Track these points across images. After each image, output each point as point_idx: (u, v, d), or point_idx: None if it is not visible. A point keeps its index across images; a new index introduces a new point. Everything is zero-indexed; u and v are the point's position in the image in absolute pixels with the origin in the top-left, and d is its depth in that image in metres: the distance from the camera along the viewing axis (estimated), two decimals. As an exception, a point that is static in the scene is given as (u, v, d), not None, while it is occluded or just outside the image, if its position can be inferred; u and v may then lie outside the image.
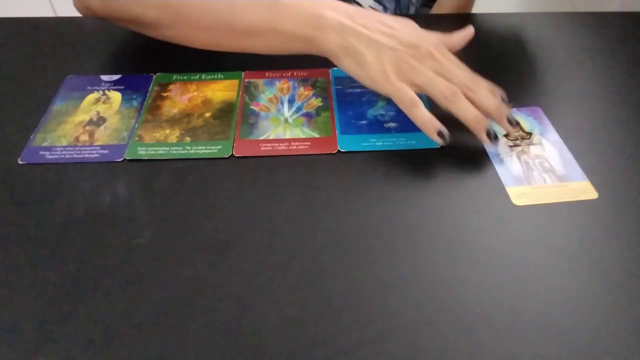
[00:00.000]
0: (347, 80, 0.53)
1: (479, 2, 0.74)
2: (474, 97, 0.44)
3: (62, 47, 0.59)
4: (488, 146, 0.46)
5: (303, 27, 0.47)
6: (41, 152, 0.46)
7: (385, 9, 0.69)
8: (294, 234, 0.40)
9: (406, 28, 0.46)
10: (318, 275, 0.37)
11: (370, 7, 0.68)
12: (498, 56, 0.58)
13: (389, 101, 0.51)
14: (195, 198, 0.43)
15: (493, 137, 0.44)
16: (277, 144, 0.47)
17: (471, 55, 0.58)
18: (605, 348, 0.33)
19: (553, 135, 0.48)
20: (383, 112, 0.50)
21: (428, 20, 0.66)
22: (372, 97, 0.52)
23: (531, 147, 0.47)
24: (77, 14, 0.60)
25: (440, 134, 0.43)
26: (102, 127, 0.49)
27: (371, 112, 0.50)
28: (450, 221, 0.41)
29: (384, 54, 0.44)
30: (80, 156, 0.46)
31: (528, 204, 0.42)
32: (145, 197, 0.43)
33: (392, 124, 0.49)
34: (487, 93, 0.44)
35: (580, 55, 0.58)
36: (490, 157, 0.46)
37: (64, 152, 0.46)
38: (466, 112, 0.43)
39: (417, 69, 0.44)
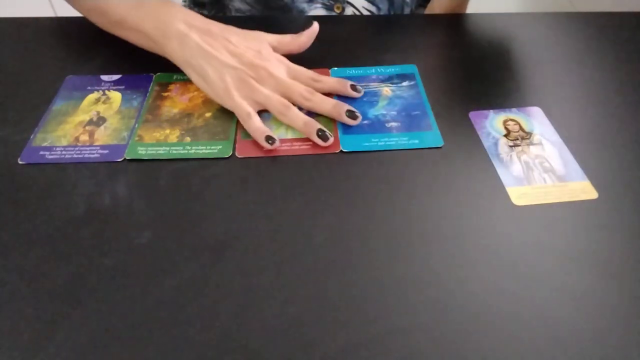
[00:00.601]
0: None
1: (480, 2, 0.74)
2: (311, 105, 0.49)
3: (62, 47, 0.59)
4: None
5: (155, 31, 0.51)
6: (41, 152, 0.46)
7: (379, 10, 0.69)
8: (294, 234, 0.40)
9: (251, 47, 0.50)
10: (318, 275, 0.37)
11: (364, 7, 0.68)
12: (498, 56, 0.58)
13: (390, 101, 0.51)
14: (195, 198, 0.43)
15: (323, 137, 0.46)
16: (279, 144, 0.47)
17: (472, 56, 0.58)
18: (606, 347, 0.34)
19: (553, 135, 0.48)
20: (384, 112, 0.50)
21: (423, 21, 0.66)
22: (373, 97, 0.52)
23: (531, 147, 0.47)
24: (77, 14, 0.60)
25: (268, 138, 0.46)
26: (102, 127, 0.49)
27: (372, 112, 0.50)
28: (450, 221, 0.41)
29: (225, 71, 0.48)
30: (80, 156, 0.46)
31: (528, 204, 0.42)
32: (145, 197, 0.43)
33: (393, 124, 0.49)
34: (322, 98, 0.49)
35: (580, 55, 0.58)
36: (490, 157, 0.46)
37: (64, 152, 0.46)
38: (296, 121, 0.47)
39: (255, 88, 0.48)
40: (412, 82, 0.53)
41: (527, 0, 1.88)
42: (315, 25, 0.53)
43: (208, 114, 0.50)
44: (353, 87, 0.51)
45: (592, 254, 0.39)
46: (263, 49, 0.51)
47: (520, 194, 0.43)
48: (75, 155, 0.46)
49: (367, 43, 0.60)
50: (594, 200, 0.42)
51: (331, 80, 0.51)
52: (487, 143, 0.47)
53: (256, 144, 0.47)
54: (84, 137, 0.48)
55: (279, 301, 0.36)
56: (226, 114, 0.50)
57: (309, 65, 0.53)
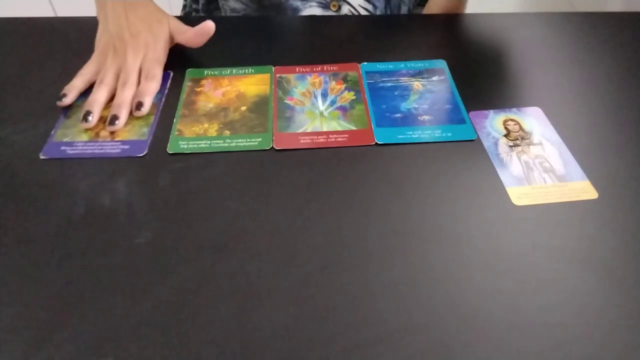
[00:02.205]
0: (377, 75, 0.55)
1: (480, 2, 0.74)
2: (117, 94, 0.51)
3: (62, 47, 0.59)
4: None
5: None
6: (62, 147, 0.47)
7: (375, 8, 0.69)
8: (294, 233, 0.40)
9: (141, 24, 0.54)
10: (318, 275, 0.37)
11: (360, 6, 0.68)
12: (498, 56, 0.58)
13: (421, 95, 0.52)
14: (195, 198, 0.43)
15: (85, 119, 0.49)
16: (315, 137, 0.48)
17: (472, 56, 0.58)
18: (605, 347, 0.33)
19: (553, 135, 0.48)
20: (416, 106, 0.51)
21: (421, 21, 0.66)
22: (404, 91, 0.53)
23: (531, 147, 0.47)
24: (77, 14, 0.60)
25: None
26: None
27: (404, 106, 0.51)
28: (450, 221, 0.41)
29: (106, 32, 0.54)
30: (101, 151, 0.46)
31: (528, 204, 0.42)
32: (145, 197, 0.43)
33: (426, 117, 0.50)
34: (125, 94, 0.51)
35: (580, 55, 0.58)
36: (490, 157, 0.46)
37: (85, 148, 0.47)
38: (93, 95, 0.51)
39: (107, 57, 0.53)
40: (442, 77, 0.54)
41: (527, 0, 1.88)
42: (206, 26, 0.54)
43: (243, 108, 0.51)
44: (138, 105, 0.50)
45: (592, 254, 0.39)
46: (153, 26, 0.54)
47: (520, 194, 0.43)
48: (96, 151, 0.46)
49: (363, 41, 0.60)
50: (594, 200, 0.42)
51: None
52: (487, 143, 0.47)
53: (294, 136, 0.48)
54: (104, 133, 0.48)
55: (279, 301, 0.36)
56: (262, 107, 0.51)
57: (339, 60, 0.55)
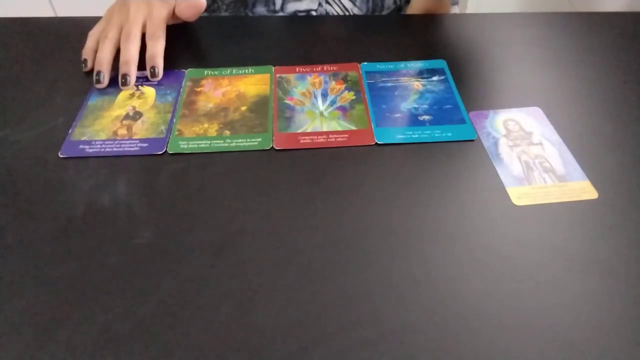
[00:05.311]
0: (377, 75, 0.55)
1: (480, 2, 0.74)
2: (121, 50, 0.54)
3: (62, 47, 0.59)
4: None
5: None
6: (81, 146, 0.47)
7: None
8: (294, 232, 0.40)
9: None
10: (318, 275, 0.37)
11: None
12: (498, 56, 0.58)
13: (421, 95, 0.52)
14: (195, 198, 0.43)
15: (97, 81, 0.53)
16: (315, 137, 0.48)
17: (472, 56, 0.58)
18: (605, 347, 0.34)
19: (553, 135, 0.48)
20: (416, 106, 0.51)
21: (421, 21, 0.66)
22: (405, 90, 0.53)
23: (531, 147, 0.47)
24: (77, 14, 0.60)
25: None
26: (139, 122, 0.50)
27: (404, 106, 0.51)
28: (450, 221, 0.41)
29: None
30: (120, 149, 0.47)
31: (528, 204, 0.42)
32: (145, 197, 0.43)
33: (426, 117, 0.50)
34: (130, 49, 0.54)
35: (580, 55, 0.58)
36: (490, 157, 0.46)
37: (103, 146, 0.47)
38: (99, 52, 0.54)
39: (113, 14, 0.56)
40: (442, 77, 0.54)
41: (527, 0, 1.88)
42: (197, 2, 0.58)
43: (243, 108, 0.51)
44: (152, 71, 0.54)
45: (592, 254, 0.39)
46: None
47: (520, 194, 0.43)
48: (115, 149, 0.47)
49: (363, 42, 0.60)
50: (594, 200, 0.42)
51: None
52: (487, 143, 0.47)
53: (294, 136, 0.48)
54: (122, 131, 0.48)
55: (279, 301, 0.36)
56: (262, 107, 0.51)
57: (339, 61, 0.55)
